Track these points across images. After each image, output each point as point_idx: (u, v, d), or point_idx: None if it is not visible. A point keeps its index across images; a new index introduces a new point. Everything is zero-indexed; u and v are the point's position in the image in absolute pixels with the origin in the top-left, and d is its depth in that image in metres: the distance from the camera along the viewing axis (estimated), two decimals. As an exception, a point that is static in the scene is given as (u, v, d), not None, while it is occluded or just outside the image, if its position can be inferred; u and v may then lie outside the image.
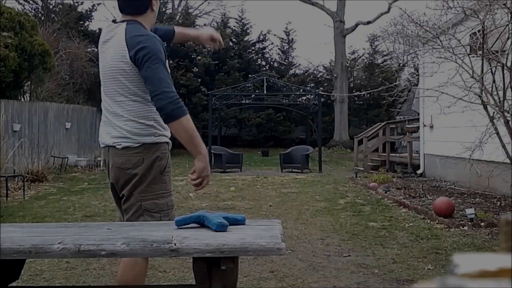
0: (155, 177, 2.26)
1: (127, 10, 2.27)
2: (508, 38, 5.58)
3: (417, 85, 10.17)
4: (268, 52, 24.75)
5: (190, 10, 25.17)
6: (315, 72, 24.53)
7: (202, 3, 28.16)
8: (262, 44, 24.37)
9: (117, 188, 2.33)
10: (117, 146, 2.25)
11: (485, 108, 5.92)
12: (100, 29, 21.06)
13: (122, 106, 2.24)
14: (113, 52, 2.23)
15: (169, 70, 2.25)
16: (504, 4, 5.38)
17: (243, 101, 20.20)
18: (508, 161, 5.85)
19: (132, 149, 2.23)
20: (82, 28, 19.88)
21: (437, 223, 5.47)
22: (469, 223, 5.27)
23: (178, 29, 2.77)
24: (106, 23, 2.35)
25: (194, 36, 2.83)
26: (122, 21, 2.27)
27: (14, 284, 2.21)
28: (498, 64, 5.59)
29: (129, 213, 2.28)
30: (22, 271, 2.32)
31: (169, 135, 2.36)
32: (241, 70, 21.84)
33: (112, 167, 2.28)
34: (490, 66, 5.80)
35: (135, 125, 2.23)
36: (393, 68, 20.42)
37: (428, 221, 5.66)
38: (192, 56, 21.01)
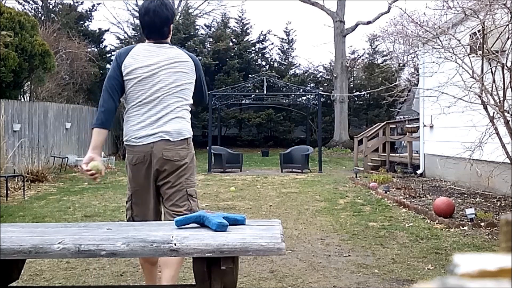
0: (194, 168, 2.68)
1: (154, 37, 2.68)
2: (508, 38, 5.57)
3: (417, 85, 10.15)
4: (268, 52, 24.80)
5: (190, 10, 25.16)
6: (315, 72, 24.55)
7: (202, 3, 28.13)
8: (262, 44, 24.40)
9: (161, 176, 2.58)
10: (165, 139, 2.55)
11: (485, 108, 5.92)
12: (100, 29, 21.09)
13: (170, 110, 2.60)
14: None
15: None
16: (504, 4, 5.37)
17: (243, 101, 20.20)
18: (508, 161, 5.85)
19: (178, 143, 2.57)
20: (82, 28, 19.89)
21: (437, 223, 5.47)
22: (469, 223, 5.27)
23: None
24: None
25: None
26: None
27: (14, 284, 2.21)
28: (498, 64, 5.59)
29: (176, 197, 2.58)
30: (22, 271, 2.32)
31: None
32: (241, 70, 21.84)
33: (159, 159, 2.55)
34: (490, 66, 5.80)
35: (180, 124, 2.61)
36: (393, 68, 20.37)
37: (428, 221, 5.65)
38: (192, 56, 20.98)
